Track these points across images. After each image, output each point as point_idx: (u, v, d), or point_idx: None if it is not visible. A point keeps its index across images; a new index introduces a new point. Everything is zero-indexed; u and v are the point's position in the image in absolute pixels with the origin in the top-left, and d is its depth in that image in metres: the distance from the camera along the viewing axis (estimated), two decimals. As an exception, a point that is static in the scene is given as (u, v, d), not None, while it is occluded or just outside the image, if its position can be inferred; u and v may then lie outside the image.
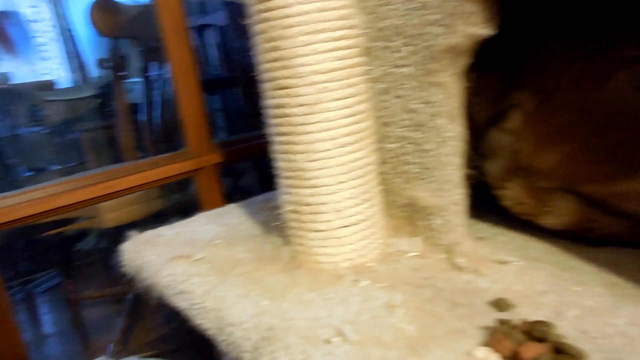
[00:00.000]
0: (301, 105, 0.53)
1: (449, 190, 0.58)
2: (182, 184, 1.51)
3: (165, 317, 1.91)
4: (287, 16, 0.51)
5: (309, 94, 0.53)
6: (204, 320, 0.58)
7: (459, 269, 0.57)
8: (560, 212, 0.61)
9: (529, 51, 0.63)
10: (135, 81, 1.95)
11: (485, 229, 0.67)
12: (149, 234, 0.84)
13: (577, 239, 0.61)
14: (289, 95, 0.53)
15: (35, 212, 0.84)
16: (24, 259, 2.26)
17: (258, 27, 0.54)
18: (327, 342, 0.46)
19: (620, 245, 0.59)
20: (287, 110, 0.54)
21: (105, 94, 2.03)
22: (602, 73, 0.55)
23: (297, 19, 0.51)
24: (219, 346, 0.56)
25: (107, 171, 0.95)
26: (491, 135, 0.65)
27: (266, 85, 0.56)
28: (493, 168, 0.65)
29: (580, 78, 0.57)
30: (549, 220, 0.62)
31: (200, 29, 2.64)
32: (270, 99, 0.56)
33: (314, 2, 0.51)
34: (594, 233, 0.60)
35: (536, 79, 0.61)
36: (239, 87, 2.07)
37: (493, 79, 0.67)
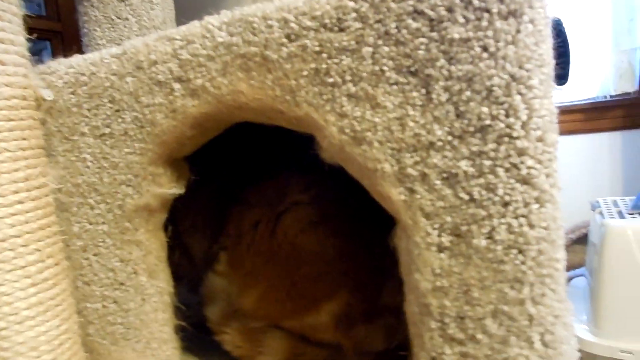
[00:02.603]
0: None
1: (156, 349, 0.56)
2: None
3: None
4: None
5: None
6: None
7: None
8: (272, 351, 0.63)
9: (233, 195, 0.68)
10: None
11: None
12: None
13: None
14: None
15: None
16: None
17: None
18: None
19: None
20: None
21: None
22: (273, 217, 0.62)
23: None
24: None
25: None
26: (208, 279, 0.66)
27: None
28: (212, 313, 0.65)
29: (257, 223, 0.63)
30: (263, 360, 0.64)
31: None
32: None
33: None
34: None
35: (233, 223, 0.66)
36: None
37: (209, 221, 0.70)
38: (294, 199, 0.62)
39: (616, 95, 1.87)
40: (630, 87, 1.81)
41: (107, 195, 0.53)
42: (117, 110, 0.51)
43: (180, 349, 0.59)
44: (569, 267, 1.57)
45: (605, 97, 1.89)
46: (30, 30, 0.52)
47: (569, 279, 1.38)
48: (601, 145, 1.95)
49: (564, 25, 1.14)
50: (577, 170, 1.94)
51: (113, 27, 0.71)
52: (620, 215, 1.12)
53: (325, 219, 0.61)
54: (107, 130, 0.52)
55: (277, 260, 0.61)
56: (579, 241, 1.63)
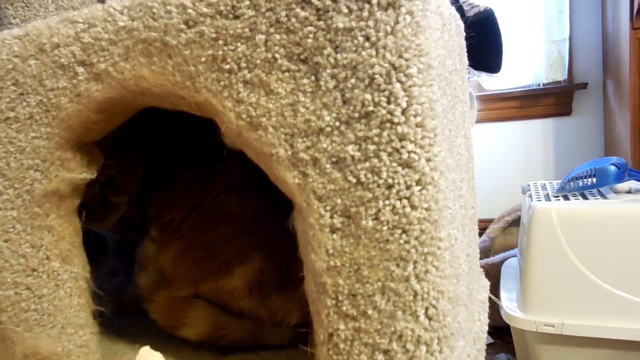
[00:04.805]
0: None
1: (72, 334, 0.56)
2: None
3: None
4: None
5: None
6: None
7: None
8: (196, 323, 0.64)
9: (171, 164, 0.69)
10: None
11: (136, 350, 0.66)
12: None
13: (214, 348, 0.65)
14: None
15: None
16: None
17: None
18: None
19: (249, 349, 0.64)
20: None
21: None
22: (205, 178, 0.63)
23: None
24: None
25: None
26: (143, 245, 0.67)
27: None
28: (143, 280, 0.66)
29: (189, 181, 0.64)
30: (187, 332, 0.65)
31: None
32: None
33: None
34: (225, 340, 0.64)
35: (164, 182, 0.67)
36: None
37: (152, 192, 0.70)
38: (227, 167, 0.63)
39: (548, 84, 1.95)
40: (560, 76, 1.89)
41: (15, 180, 0.53)
42: (22, 94, 0.50)
43: (99, 334, 0.59)
44: (506, 248, 1.65)
45: (538, 85, 1.97)
46: None
47: (504, 260, 1.44)
48: (534, 131, 2.04)
49: (496, 16, 1.18)
50: (513, 155, 2.03)
51: (27, 6, 0.68)
52: (547, 197, 1.18)
53: (250, 183, 0.62)
54: (12, 114, 0.51)
55: (198, 216, 0.62)
56: (515, 223, 1.70)
